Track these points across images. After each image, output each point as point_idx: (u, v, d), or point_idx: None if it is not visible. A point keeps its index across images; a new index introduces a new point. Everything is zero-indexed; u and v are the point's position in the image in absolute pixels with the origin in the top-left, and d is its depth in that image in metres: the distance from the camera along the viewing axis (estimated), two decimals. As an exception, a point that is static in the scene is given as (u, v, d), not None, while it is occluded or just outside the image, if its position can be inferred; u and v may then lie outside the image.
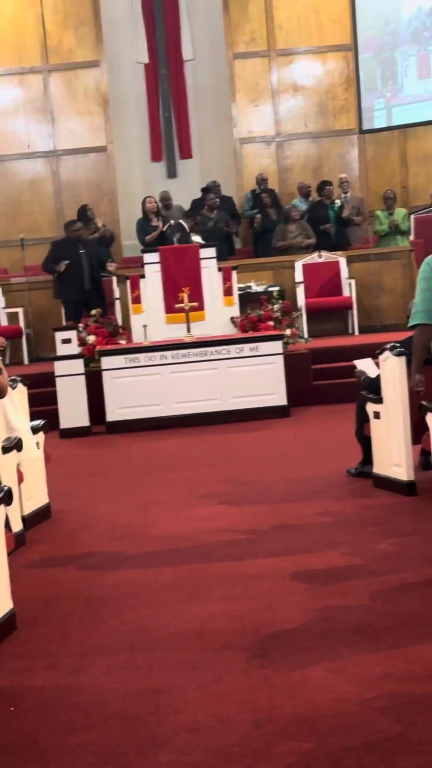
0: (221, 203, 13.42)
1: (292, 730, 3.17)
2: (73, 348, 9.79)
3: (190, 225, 12.28)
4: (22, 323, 12.55)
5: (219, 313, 10.57)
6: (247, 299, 11.10)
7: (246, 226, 14.37)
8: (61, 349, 9.78)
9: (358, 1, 14.24)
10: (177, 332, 10.21)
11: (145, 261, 10.73)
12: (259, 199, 13.90)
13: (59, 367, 9.73)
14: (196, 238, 11.58)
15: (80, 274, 11.58)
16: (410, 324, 5.66)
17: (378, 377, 6.46)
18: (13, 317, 12.61)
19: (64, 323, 11.20)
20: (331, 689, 3.44)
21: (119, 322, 11.38)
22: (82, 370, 9.77)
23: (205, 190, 13.70)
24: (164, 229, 12.46)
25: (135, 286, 10.63)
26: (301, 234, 13.04)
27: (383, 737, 3.07)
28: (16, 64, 14.44)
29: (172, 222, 12.57)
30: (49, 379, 9.73)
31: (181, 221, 12.34)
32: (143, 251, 11.23)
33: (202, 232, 12.27)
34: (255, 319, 10.38)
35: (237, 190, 14.53)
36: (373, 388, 6.47)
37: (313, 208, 13.60)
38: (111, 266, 11.98)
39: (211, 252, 10.71)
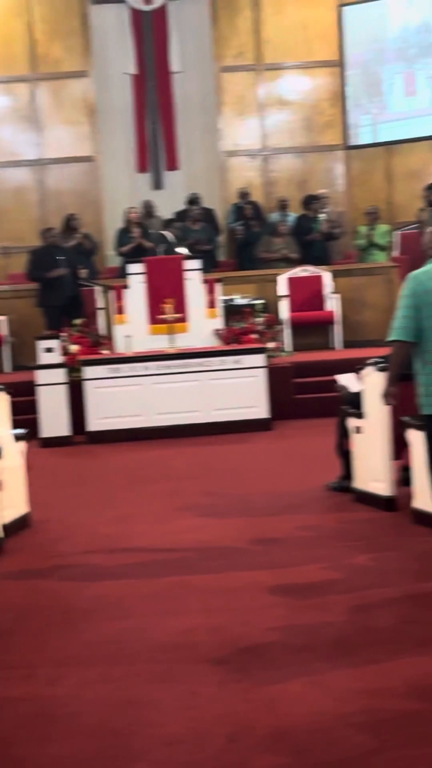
0: (202, 215, 13.44)
1: (269, 744, 3.16)
2: (56, 357, 9.74)
3: (172, 235, 12.23)
4: (4, 331, 12.51)
5: (202, 325, 10.57)
6: (231, 312, 11.10)
7: (229, 238, 14.38)
8: (44, 358, 9.73)
9: (346, 17, 14.33)
10: (160, 343, 10.19)
11: (130, 271, 10.72)
12: (242, 211, 13.94)
13: (41, 375, 9.69)
14: (182, 250, 11.58)
15: (62, 281, 11.57)
16: (388, 339, 5.69)
17: (359, 392, 6.48)
18: (-5, 325, 12.57)
19: (45, 332, 11.16)
20: (308, 704, 3.44)
21: (102, 332, 11.35)
22: (64, 379, 9.72)
23: (191, 202, 13.72)
24: (142, 241, 12.49)
25: (119, 297, 10.63)
26: (286, 248, 13.04)
27: (360, 752, 3.07)
28: (3, 72, 14.42)
29: (152, 232, 12.53)
30: (31, 388, 9.68)
31: (163, 232, 12.32)
32: (125, 262, 11.19)
33: (185, 244, 12.26)
34: (238, 332, 10.38)
35: (222, 202, 14.54)
36: (354, 403, 6.49)
37: (298, 222, 13.63)
38: (82, 272, 11.89)
39: (195, 264, 10.73)
